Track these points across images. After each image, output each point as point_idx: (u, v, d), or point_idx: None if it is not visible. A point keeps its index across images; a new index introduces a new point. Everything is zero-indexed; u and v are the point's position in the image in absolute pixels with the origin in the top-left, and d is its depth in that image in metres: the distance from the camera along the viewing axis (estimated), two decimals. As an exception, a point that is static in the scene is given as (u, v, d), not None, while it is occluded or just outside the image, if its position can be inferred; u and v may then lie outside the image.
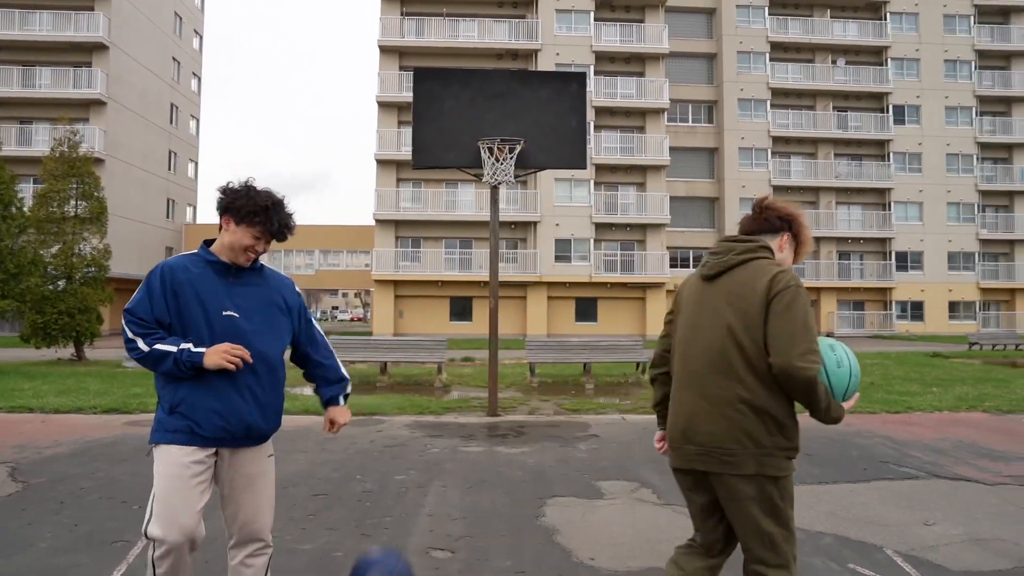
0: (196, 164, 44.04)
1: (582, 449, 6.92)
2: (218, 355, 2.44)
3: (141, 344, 2.47)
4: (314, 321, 2.89)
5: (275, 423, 2.66)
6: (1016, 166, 39.96)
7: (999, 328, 38.16)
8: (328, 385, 2.88)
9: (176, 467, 2.45)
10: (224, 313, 2.54)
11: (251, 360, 2.49)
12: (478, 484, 5.49)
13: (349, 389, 2.94)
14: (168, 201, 39.80)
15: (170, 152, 39.91)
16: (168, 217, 39.82)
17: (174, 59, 40.21)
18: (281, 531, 4.27)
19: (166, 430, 2.49)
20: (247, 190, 2.57)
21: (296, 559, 3.81)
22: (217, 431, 2.49)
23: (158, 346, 2.46)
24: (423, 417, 8.91)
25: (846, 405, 2.33)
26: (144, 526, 2.45)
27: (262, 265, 2.72)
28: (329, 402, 2.88)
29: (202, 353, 2.44)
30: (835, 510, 4.77)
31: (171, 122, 39.92)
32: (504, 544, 4.08)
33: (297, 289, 2.84)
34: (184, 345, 2.45)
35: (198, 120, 44.07)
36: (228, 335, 2.51)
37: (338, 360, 2.95)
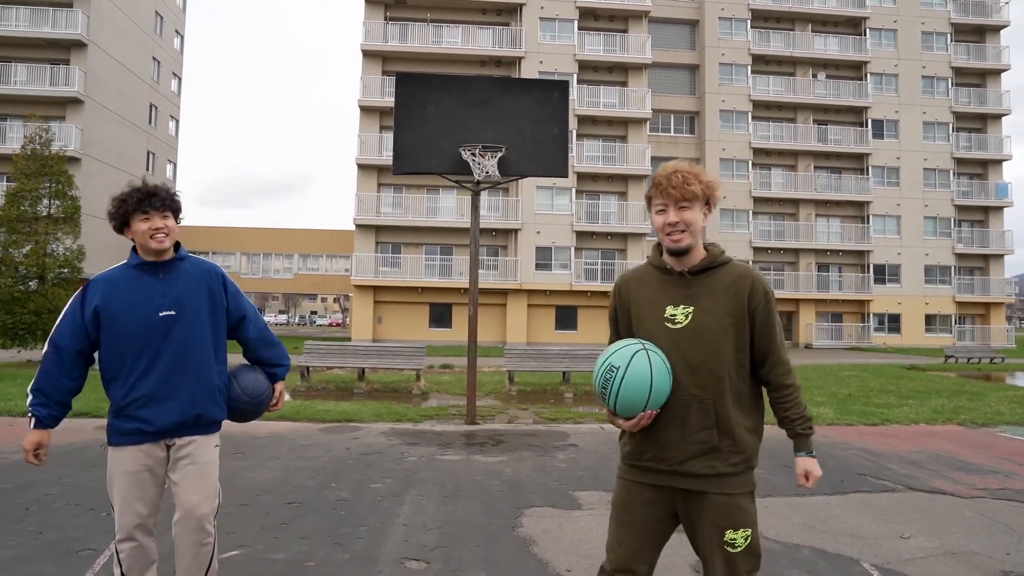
0: (175, 165, 43.54)
1: (560, 459, 6.87)
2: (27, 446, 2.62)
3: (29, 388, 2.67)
4: (248, 302, 3.02)
5: (220, 410, 2.84)
6: (991, 181, 40.66)
7: (974, 341, 38.72)
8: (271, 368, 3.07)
9: (130, 462, 2.67)
10: (161, 315, 2.68)
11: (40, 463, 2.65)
12: (454, 493, 5.43)
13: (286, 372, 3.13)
14: (146, 202, 39.23)
15: (148, 152, 39.42)
16: (145, 218, 39.25)
17: (154, 59, 39.78)
18: (253, 540, 4.18)
19: (119, 433, 2.68)
20: (119, 194, 2.75)
21: (267, 568, 3.72)
22: (170, 423, 2.69)
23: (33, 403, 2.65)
24: (400, 425, 8.82)
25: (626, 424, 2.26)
26: (110, 500, 2.74)
27: (186, 255, 2.84)
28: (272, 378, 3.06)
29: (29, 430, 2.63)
30: (811, 522, 4.77)
31: (150, 122, 39.46)
32: (479, 555, 4.02)
33: (221, 270, 2.95)
34: (31, 402, 2.64)
35: (178, 121, 43.59)
36: (166, 334, 2.68)
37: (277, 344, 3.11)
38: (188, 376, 2.71)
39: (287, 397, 3.02)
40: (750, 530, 2.23)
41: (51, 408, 2.64)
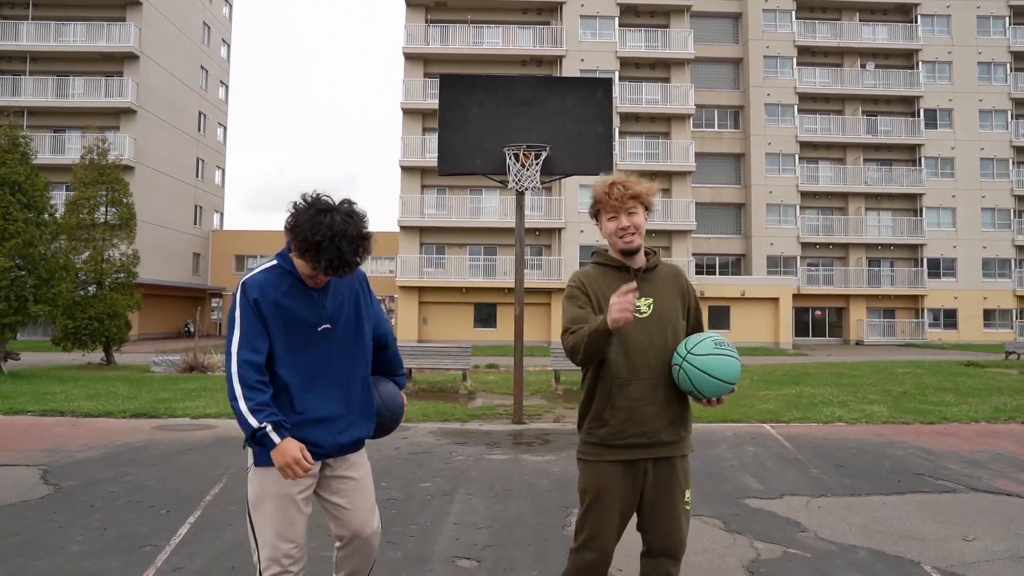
0: (223, 171, 44.64)
1: (608, 458, 6.83)
2: (284, 460, 2.29)
3: (242, 405, 2.32)
4: (377, 302, 2.81)
5: (372, 426, 2.68)
6: (1052, 171, 39.12)
7: (1035, 336, 37.29)
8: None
9: (285, 484, 2.40)
10: (320, 329, 2.48)
11: (310, 467, 2.35)
12: (503, 492, 5.45)
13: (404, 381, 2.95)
14: (196, 208, 40.35)
15: (198, 159, 40.49)
16: (196, 223, 40.38)
17: (202, 67, 40.83)
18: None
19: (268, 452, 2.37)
20: (309, 216, 2.31)
21: (321, 566, 3.79)
22: (333, 448, 2.51)
23: (246, 414, 2.31)
24: (448, 424, 8.89)
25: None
26: (250, 535, 2.45)
27: None
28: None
29: (275, 445, 2.30)
30: (868, 523, 4.65)
31: (199, 129, 40.51)
32: (530, 553, 4.03)
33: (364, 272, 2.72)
34: (263, 425, 2.29)
35: (225, 127, 44.68)
36: (328, 349, 2.49)
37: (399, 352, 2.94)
38: (345, 397, 2.58)
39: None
40: (690, 490, 2.64)
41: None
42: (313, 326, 2.45)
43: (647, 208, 2.59)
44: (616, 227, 2.55)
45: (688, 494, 2.59)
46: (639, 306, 2.51)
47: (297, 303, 2.43)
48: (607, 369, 2.51)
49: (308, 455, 2.32)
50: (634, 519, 2.63)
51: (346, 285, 2.57)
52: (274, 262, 2.48)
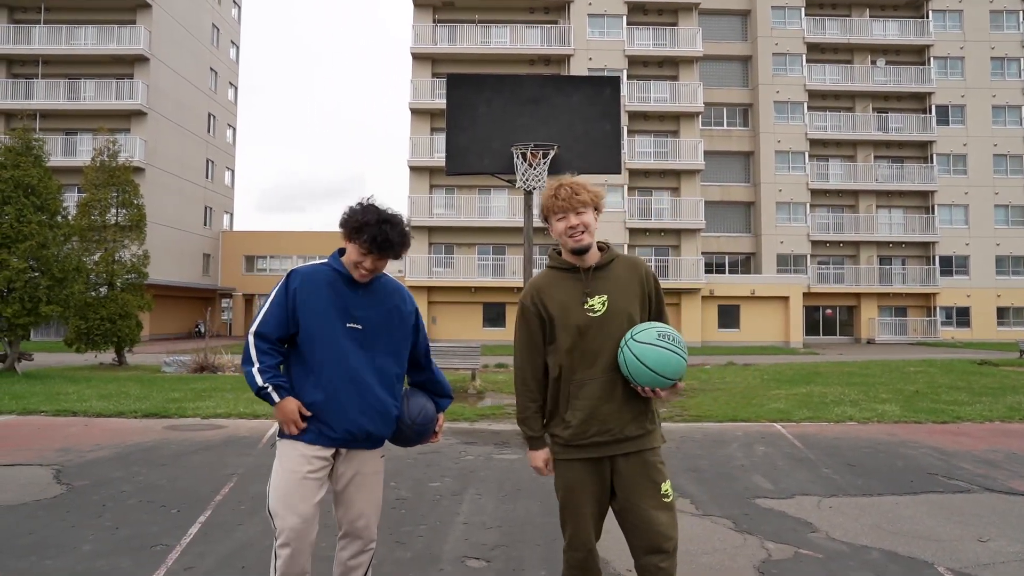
0: (232, 172, 44.84)
1: (618, 457, 6.81)
2: (282, 415, 2.68)
3: (253, 367, 2.68)
4: (423, 329, 3.02)
5: (391, 428, 2.84)
6: (1066, 167, 38.74)
7: (1049, 334, 36.95)
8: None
9: (298, 461, 2.66)
10: (348, 326, 2.72)
11: (304, 425, 2.67)
12: (513, 492, 5.44)
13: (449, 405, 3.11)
14: (206, 209, 40.55)
15: (207, 160, 40.69)
16: (206, 224, 40.58)
17: (211, 69, 41.02)
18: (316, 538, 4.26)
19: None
20: (361, 207, 2.71)
21: (331, 566, 3.79)
22: (343, 433, 2.70)
23: (255, 374, 2.68)
24: (457, 424, 8.89)
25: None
26: (266, 508, 2.70)
27: (382, 274, 2.88)
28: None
29: (275, 403, 2.67)
30: (880, 523, 4.62)
31: (208, 131, 40.71)
32: (540, 553, 4.02)
33: (411, 295, 3.00)
34: (265, 385, 2.65)
35: (234, 128, 44.88)
36: (352, 346, 2.71)
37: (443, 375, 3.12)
38: (368, 391, 2.76)
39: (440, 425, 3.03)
40: (669, 481, 2.62)
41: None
42: (343, 321, 2.71)
43: (596, 209, 2.64)
44: (565, 226, 2.58)
45: (666, 487, 2.59)
46: (592, 304, 2.57)
47: (334, 296, 2.73)
48: (564, 370, 2.58)
49: (305, 412, 2.65)
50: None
51: (388, 300, 2.84)
52: (325, 260, 2.81)
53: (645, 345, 2.46)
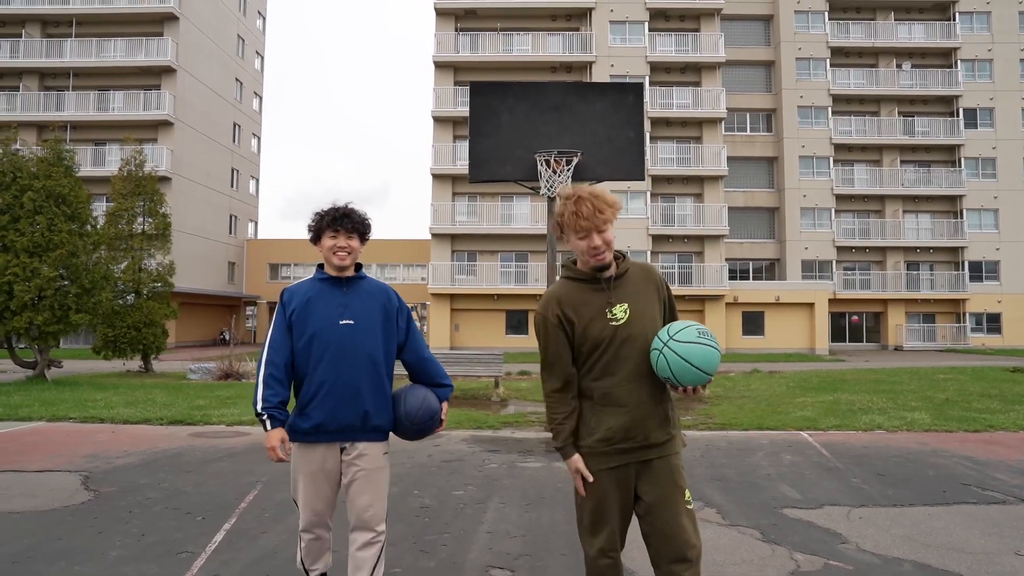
0: (257, 181, 45.33)
1: (642, 466, 6.74)
2: (267, 444, 2.93)
3: (259, 395, 2.96)
4: (415, 324, 3.22)
5: (387, 417, 3.04)
6: (1099, 170, 37.89)
7: (1083, 341, 36.07)
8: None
9: (306, 461, 2.97)
10: (341, 322, 2.96)
11: (284, 458, 2.92)
12: (537, 501, 5.41)
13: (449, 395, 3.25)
14: (231, 217, 41.02)
15: (232, 170, 41.18)
16: (231, 233, 41.03)
17: (237, 79, 41.56)
18: (340, 546, 4.26)
19: (298, 431, 2.96)
20: (313, 215, 3.07)
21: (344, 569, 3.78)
22: (343, 425, 2.93)
23: (258, 400, 2.98)
24: (480, 432, 8.87)
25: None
26: (292, 496, 3.07)
27: (364, 276, 3.13)
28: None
29: (266, 431, 2.93)
30: (913, 535, 4.52)
31: (234, 140, 41.21)
32: (564, 563, 3.99)
33: (397, 294, 3.22)
34: (262, 413, 2.93)
35: (259, 138, 45.41)
36: (347, 341, 2.94)
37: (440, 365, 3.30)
38: (360, 381, 2.98)
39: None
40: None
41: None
42: (336, 319, 2.96)
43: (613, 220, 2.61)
44: (588, 246, 2.53)
45: (688, 493, 2.59)
46: (615, 313, 2.57)
47: (325, 299, 3.00)
48: (588, 379, 2.58)
49: (287, 448, 2.91)
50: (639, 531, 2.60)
51: (376, 298, 3.07)
52: (311, 275, 3.11)
53: (689, 344, 2.43)
